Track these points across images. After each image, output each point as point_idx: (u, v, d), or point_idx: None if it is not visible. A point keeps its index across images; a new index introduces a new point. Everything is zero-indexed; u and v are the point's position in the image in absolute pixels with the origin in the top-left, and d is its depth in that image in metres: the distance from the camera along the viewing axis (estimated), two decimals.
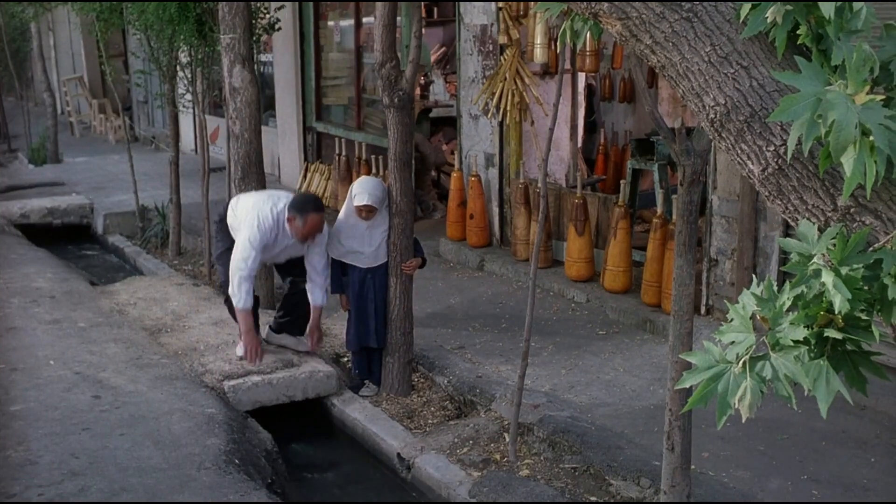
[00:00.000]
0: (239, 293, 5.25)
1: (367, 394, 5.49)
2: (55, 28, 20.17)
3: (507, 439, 4.63)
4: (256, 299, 5.51)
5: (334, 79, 11.15)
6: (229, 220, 5.54)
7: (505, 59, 7.57)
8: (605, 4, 2.27)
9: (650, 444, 4.40)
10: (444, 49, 11.88)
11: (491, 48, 7.81)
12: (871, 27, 1.95)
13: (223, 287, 5.65)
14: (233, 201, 5.68)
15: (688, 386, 2.00)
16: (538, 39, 7.50)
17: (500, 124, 7.81)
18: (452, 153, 9.51)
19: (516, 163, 7.81)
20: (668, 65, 2.20)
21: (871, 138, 1.78)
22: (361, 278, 5.36)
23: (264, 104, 11.18)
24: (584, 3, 2.34)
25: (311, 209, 5.25)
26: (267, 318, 5.95)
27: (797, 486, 4.11)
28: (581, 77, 8.95)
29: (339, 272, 5.46)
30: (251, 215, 5.30)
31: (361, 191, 5.25)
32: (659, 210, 6.35)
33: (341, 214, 5.43)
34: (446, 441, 4.76)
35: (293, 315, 5.74)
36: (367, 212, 5.25)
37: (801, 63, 1.90)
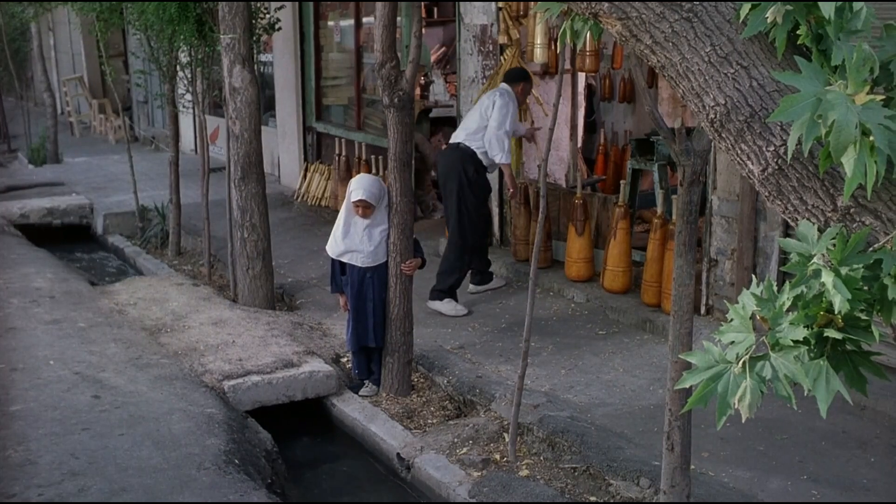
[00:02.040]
0: (504, 151, 6.64)
1: (367, 394, 5.49)
2: (55, 28, 20.16)
3: (507, 439, 4.63)
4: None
5: (334, 79, 11.14)
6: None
7: (505, 59, 7.57)
8: (605, 4, 2.27)
9: (650, 444, 4.40)
10: (444, 49, 11.88)
11: (491, 48, 7.81)
12: (871, 27, 1.95)
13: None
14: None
15: (687, 386, 2.00)
16: (538, 39, 7.50)
17: None
18: None
19: (516, 163, 7.80)
20: (668, 65, 2.20)
21: (872, 138, 1.78)
22: (360, 278, 5.35)
23: (264, 104, 11.17)
24: (584, 3, 2.34)
25: (521, 79, 6.88)
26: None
27: (797, 486, 4.11)
28: (581, 77, 8.95)
29: (339, 272, 5.46)
30: (489, 105, 6.68)
31: (358, 186, 5.25)
32: (659, 210, 6.35)
33: (341, 213, 5.43)
34: (446, 441, 4.76)
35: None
36: (363, 208, 5.24)
37: (801, 63, 1.90)
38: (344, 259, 5.39)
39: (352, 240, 5.33)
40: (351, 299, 5.41)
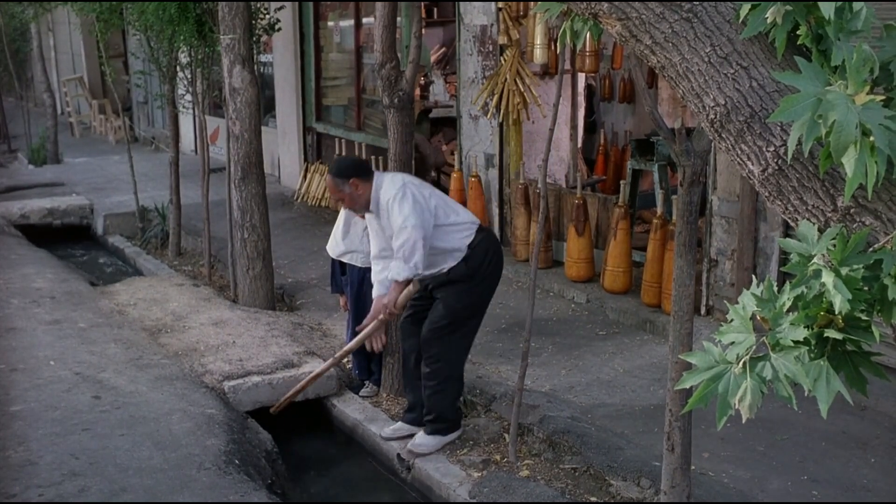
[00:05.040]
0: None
1: (367, 394, 5.49)
2: (55, 28, 20.16)
3: (508, 440, 4.63)
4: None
5: (334, 79, 11.15)
6: None
7: (505, 60, 7.57)
8: (605, 5, 2.27)
9: (650, 445, 4.40)
10: (444, 49, 11.88)
11: (491, 48, 7.81)
12: (871, 27, 1.95)
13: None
14: None
15: (688, 386, 1.99)
16: (538, 40, 7.49)
17: (500, 125, 7.81)
18: (452, 154, 9.50)
19: (516, 163, 7.81)
20: (668, 65, 2.20)
21: (872, 139, 1.78)
22: (360, 278, 5.35)
23: (264, 105, 11.17)
24: (584, 3, 2.34)
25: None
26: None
27: (797, 486, 4.11)
28: (581, 77, 8.95)
29: (339, 272, 5.46)
30: None
31: None
32: (659, 210, 6.35)
33: (341, 213, 5.43)
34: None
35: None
36: None
37: (801, 63, 1.90)
38: (344, 259, 5.39)
39: (352, 240, 5.32)
40: (351, 299, 5.41)
